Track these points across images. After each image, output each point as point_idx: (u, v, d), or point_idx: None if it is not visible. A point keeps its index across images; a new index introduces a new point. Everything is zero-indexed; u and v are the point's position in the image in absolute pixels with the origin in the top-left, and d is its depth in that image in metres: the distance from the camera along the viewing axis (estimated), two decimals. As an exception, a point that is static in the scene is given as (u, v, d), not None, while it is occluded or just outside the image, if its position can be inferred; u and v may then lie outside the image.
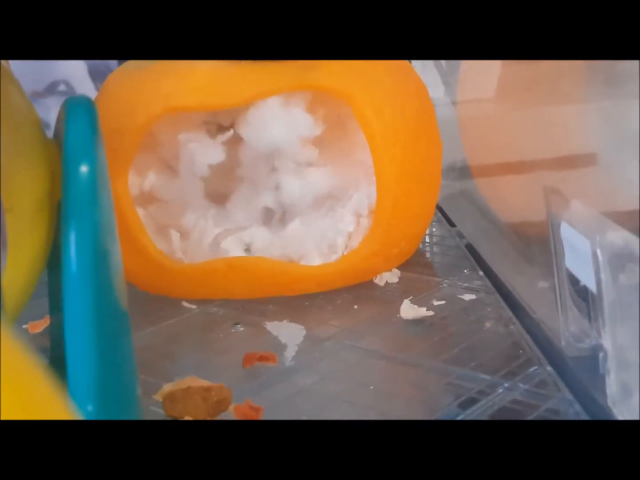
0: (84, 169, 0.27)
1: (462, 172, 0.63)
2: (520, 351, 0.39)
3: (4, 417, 0.14)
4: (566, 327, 0.36)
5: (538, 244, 0.44)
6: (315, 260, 0.48)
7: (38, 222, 0.28)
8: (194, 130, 0.48)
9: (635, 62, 0.32)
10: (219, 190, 0.51)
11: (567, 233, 0.34)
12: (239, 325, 0.44)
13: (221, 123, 0.49)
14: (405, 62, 0.52)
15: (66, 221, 0.27)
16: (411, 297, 0.46)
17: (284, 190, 0.49)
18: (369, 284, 0.49)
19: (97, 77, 0.78)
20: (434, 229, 0.61)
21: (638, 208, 0.37)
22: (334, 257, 0.48)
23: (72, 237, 0.27)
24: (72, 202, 0.27)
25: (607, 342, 0.31)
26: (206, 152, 0.48)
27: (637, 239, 0.29)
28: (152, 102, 0.45)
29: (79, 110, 0.27)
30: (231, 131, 0.48)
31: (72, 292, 0.28)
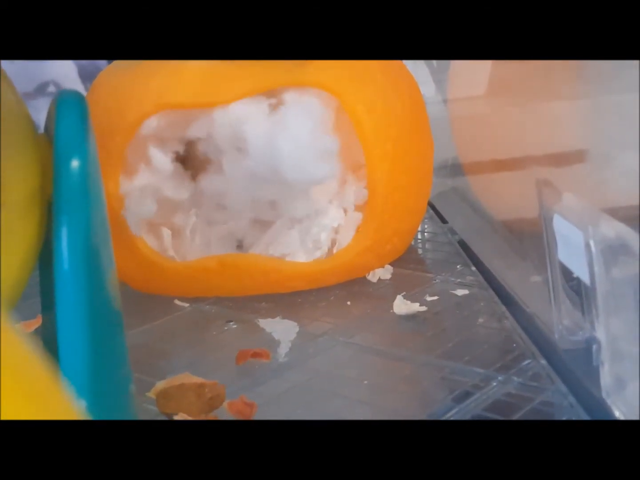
0: (74, 163, 0.27)
1: (454, 169, 0.63)
2: (514, 345, 0.39)
3: (5, 404, 0.13)
4: (559, 320, 0.36)
5: (530, 239, 0.44)
6: (300, 257, 0.47)
7: (29, 218, 0.28)
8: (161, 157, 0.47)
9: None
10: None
11: (560, 225, 0.34)
12: (232, 323, 0.44)
13: (197, 156, 0.48)
14: (396, 58, 0.52)
15: (57, 216, 0.27)
16: (404, 293, 0.46)
17: (284, 206, 0.48)
18: (362, 281, 0.49)
19: (87, 78, 0.78)
20: (426, 226, 0.61)
21: (631, 202, 0.37)
22: (318, 253, 0.48)
23: (64, 233, 0.27)
24: (63, 197, 0.27)
25: (600, 334, 0.31)
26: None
27: (630, 230, 0.29)
28: (143, 99, 0.45)
29: (69, 104, 0.27)
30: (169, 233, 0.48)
31: (64, 289, 0.27)
